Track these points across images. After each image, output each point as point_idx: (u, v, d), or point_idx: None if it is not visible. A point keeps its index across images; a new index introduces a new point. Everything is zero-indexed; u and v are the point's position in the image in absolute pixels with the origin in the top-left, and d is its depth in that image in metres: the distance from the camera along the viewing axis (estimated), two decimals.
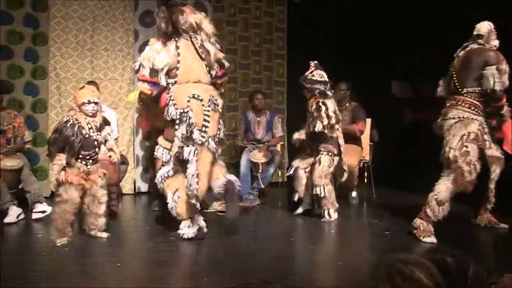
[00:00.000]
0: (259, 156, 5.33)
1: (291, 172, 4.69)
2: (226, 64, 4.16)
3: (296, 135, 4.73)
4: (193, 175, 3.63)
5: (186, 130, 3.66)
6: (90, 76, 6.10)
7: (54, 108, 6.06)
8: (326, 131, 4.44)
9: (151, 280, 2.94)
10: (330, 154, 4.50)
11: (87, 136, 3.69)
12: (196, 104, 3.70)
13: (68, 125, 3.63)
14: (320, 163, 4.46)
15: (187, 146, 3.67)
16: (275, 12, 7.47)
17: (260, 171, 5.19)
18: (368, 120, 5.84)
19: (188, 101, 3.68)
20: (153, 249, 3.68)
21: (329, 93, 4.55)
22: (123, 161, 5.37)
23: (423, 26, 6.38)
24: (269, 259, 3.34)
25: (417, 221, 3.70)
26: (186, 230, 3.73)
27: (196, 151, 3.66)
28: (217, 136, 3.81)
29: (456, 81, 3.82)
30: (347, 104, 5.63)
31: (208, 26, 3.91)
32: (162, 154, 3.86)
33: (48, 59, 6.05)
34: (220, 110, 3.90)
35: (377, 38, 7.05)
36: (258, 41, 7.30)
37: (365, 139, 5.81)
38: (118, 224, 4.51)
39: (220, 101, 3.89)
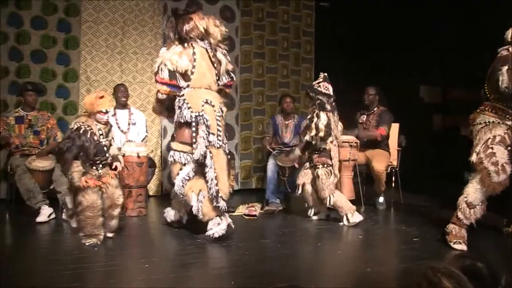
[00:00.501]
0: (286, 160, 5.32)
1: (299, 191, 4.75)
2: (234, 77, 4.29)
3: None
4: (212, 178, 3.72)
5: (204, 133, 3.75)
6: (120, 79, 6.20)
7: (84, 110, 6.17)
8: (313, 142, 4.54)
9: (178, 281, 2.96)
10: (325, 166, 4.54)
11: (97, 142, 3.71)
12: (209, 109, 3.81)
13: (81, 132, 3.64)
14: (319, 177, 4.53)
15: (205, 147, 3.76)
16: (303, 16, 7.46)
17: (287, 175, 5.18)
18: (396, 125, 5.78)
19: (203, 105, 3.79)
20: (180, 251, 3.71)
21: (328, 106, 4.59)
22: (151, 163, 5.43)
23: (454, 31, 6.29)
24: (296, 264, 3.33)
25: (450, 226, 3.67)
26: (216, 228, 3.72)
27: (211, 155, 3.75)
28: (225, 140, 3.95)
29: (486, 87, 3.77)
30: (375, 109, 5.60)
31: (215, 31, 3.97)
32: (180, 157, 3.86)
33: (79, 62, 6.17)
34: (224, 117, 4.03)
35: (406, 42, 6.98)
36: (286, 45, 7.30)
37: (393, 144, 5.74)
38: (146, 225, 4.56)
39: (225, 109, 4.04)
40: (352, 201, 5.25)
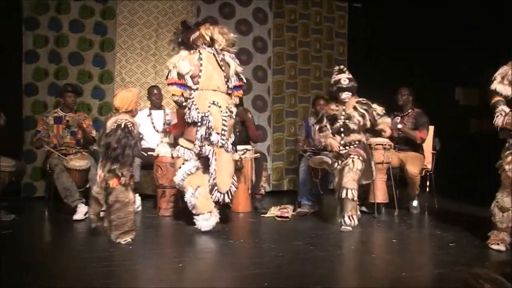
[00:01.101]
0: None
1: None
2: (243, 78, 4.48)
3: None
4: (211, 173, 4.11)
5: (205, 132, 4.09)
6: (153, 81, 6.30)
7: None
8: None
9: (211, 281, 2.98)
10: (360, 158, 4.40)
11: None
12: (215, 110, 4.12)
13: (129, 129, 3.66)
14: (353, 166, 4.34)
15: (208, 145, 4.11)
16: (336, 17, 7.43)
17: (319, 177, 5.14)
18: (431, 128, 5.68)
19: (209, 106, 4.10)
20: (213, 250, 3.73)
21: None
22: None
23: (490, 30, 6.14)
24: (329, 266, 3.30)
25: (491, 231, 3.68)
26: (204, 223, 4.03)
27: (213, 152, 4.11)
28: (232, 139, 4.24)
29: None
30: (409, 110, 5.52)
31: (219, 38, 4.27)
32: (184, 153, 4.17)
33: (114, 64, 6.32)
34: (235, 117, 4.32)
35: (440, 42, 6.85)
36: (319, 46, 7.28)
37: (428, 147, 5.65)
38: (179, 225, 4.60)
39: (234, 109, 4.31)
40: (385, 205, 5.23)
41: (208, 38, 4.24)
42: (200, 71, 4.18)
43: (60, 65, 6.13)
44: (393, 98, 5.56)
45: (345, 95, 4.56)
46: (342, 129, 4.59)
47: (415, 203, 5.39)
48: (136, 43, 6.39)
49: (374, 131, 4.73)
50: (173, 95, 4.24)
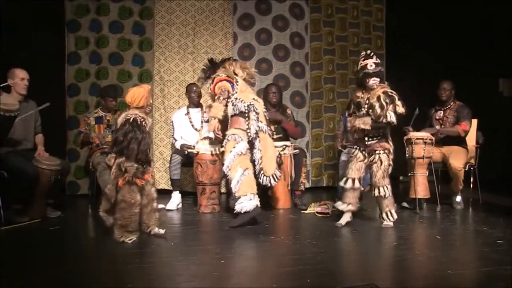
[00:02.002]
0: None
1: (348, 185, 4.33)
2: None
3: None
4: (258, 159, 4.41)
5: (254, 118, 4.44)
6: (192, 79, 6.36)
7: (158, 110, 6.39)
8: (395, 122, 4.14)
9: (253, 277, 2.98)
10: (386, 151, 4.27)
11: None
12: (257, 103, 4.56)
13: (138, 123, 3.68)
14: (381, 163, 4.22)
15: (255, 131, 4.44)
16: (373, 10, 7.31)
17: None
18: (474, 121, 5.53)
19: (252, 99, 4.53)
20: (255, 247, 3.73)
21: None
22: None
23: None
24: (373, 263, 3.26)
25: None
26: (247, 203, 4.16)
27: (259, 138, 4.43)
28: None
29: None
30: (451, 103, 5.37)
31: (240, 72, 4.73)
32: (235, 137, 4.36)
33: (153, 63, 6.43)
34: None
35: (482, 33, 6.64)
36: (356, 40, 7.18)
37: (471, 141, 5.49)
38: (219, 222, 4.63)
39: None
40: (427, 200, 5.12)
41: (232, 73, 4.66)
42: (237, 80, 4.63)
43: (101, 66, 6.28)
44: (435, 93, 5.42)
45: (372, 81, 4.19)
46: None
47: (458, 198, 5.24)
48: (174, 41, 6.47)
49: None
50: (221, 87, 4.53)
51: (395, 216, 4.27)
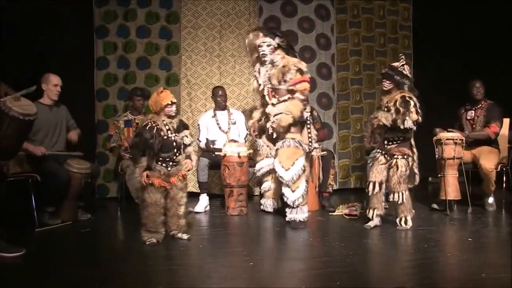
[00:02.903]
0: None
1: (372, 191, 4.29)
2: None
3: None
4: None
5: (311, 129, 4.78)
6: (218, 82, 6.40)
7: (185, 113, 6.44)
8: (414, 128, 4.14)
9: (282, 279, 2.98)
10: (405, 157, 4.22)
11: (165, 137, 3.75)
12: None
13: (147, 128, 3.71)
14: (397, 168, 4.18)
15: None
16: (400, 10, 7.21)
17: None
18: (506, 120, 5.41)
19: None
20: (283, 249, 3.74)
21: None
22: (252, 163, 5.51)
23: None
24: (402, 265, 3.22)
25: None
26: (303, 215, 4.39)
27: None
28: None
29: None
30: (482, 103, 5.27)
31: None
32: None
33: (180, 67, 6.48)
34: None
35: (509, 29, 6.50)
36: (383, 40, 7.09)
37: (503, 141, 5.37)
38: (247, 224, 4.65)
39: None
40: (457, 202, 5.03)
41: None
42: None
43: (129, 70, 6.37)
44: (466, 92, 5.32)
45: (384, 83, 4.28)
46: None
47: (490, 200, 5.13)
48: (201, 45, 6.52)
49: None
50: (307, 89, 4.55)
51: (410, 224, 4.24)
